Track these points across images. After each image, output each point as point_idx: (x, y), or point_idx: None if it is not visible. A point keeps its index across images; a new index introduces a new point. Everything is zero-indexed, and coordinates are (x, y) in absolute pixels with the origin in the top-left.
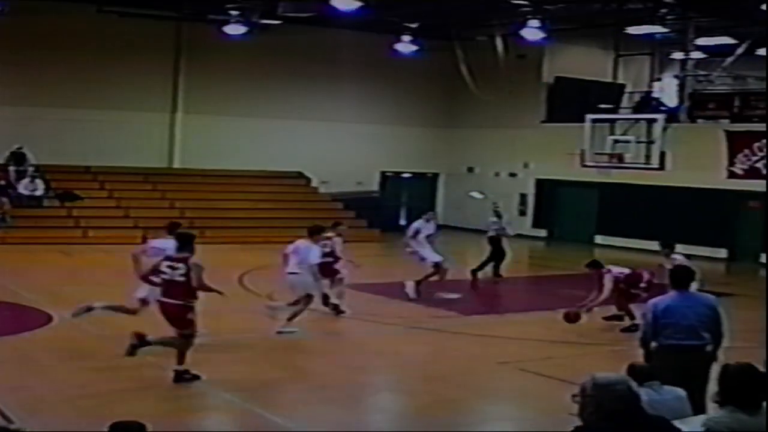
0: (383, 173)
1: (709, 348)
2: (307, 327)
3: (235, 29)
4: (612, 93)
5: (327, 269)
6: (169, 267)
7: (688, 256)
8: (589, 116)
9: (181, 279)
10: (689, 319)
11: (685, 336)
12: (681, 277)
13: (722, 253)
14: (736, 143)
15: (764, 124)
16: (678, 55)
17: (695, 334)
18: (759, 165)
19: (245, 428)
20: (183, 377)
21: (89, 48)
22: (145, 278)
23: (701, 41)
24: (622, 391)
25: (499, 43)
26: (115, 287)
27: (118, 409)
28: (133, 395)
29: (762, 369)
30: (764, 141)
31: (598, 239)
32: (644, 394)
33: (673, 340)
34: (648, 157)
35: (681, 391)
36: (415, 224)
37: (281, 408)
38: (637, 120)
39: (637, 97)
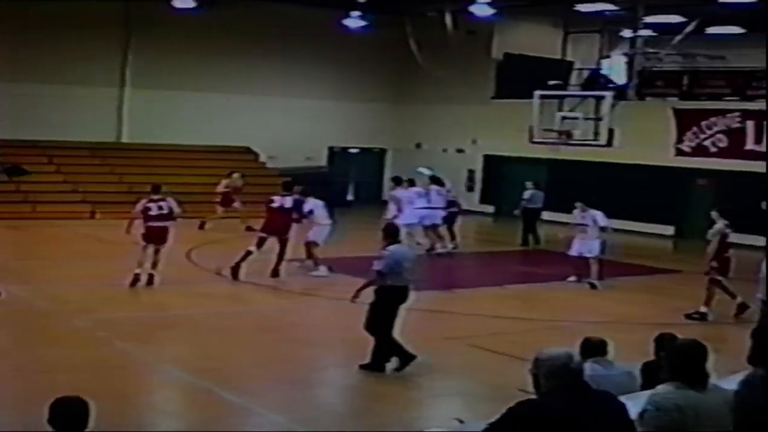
0: (331, 149)
1: None
2: (254, 303)
3: (184, 3)
4: (561, 70)
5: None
6: None
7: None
8: (538, 92)
9: None
10: None
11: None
12: None
13: (670, 230)
14: (685, 121)
15: (713, 102)
16: (627, 33)
17: None
18: (707, 143)
19: (195, 404)
20: None
21: (37, 22)
22: None
23: (651, 19)
24: (558, 366)
25: (448, 19)
26: (63, 261)
27: (67, 385)
28: (82, 371)
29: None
30: (712, 119)
31: (546, 215)
32: (590, 369)
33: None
34: (596, 134)
35: (631, 368)
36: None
37: (230, 383)
38: (586, 97)
39: (585, 74)
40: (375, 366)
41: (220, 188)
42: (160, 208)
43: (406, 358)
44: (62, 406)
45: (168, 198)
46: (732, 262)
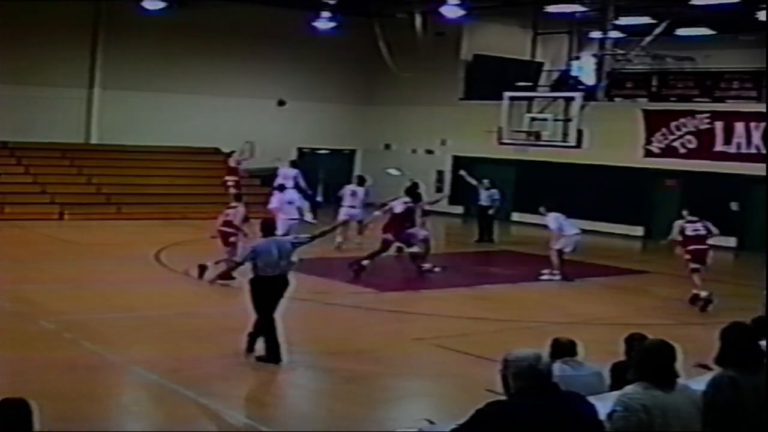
0: (300, 149)
1: None
2: (223, 304)
3: (153, 4)
4: (530, 71)
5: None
6: None
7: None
8: (507, 94)
9: None
10: None
11: None
12: None
13: (638, 231)
14: (654, 122)
15: (682, 103)
16: (596, 34)
17: None
18: (676, 144)
19: (162, 405)
20: None
21: (6, 22)
22: None
23: (620, 21)
24: (527, 366)
25: (418, 20)
26: (30, 262)
27: (33, 387)
28: (49, 373)
29: (676, 346)
30: (681, 120)
31: (515, 216)
32: (559, 369)
33: None
34: (565, 135)
35: (600, 368)
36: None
37: (198, 384)
38: (555, 98)
39: (555, 76)
40: (271, 358)
41: (233, 163)
42: (226, 215)
43: (276, 354)
44: (5, 408)
45: (239, 207)
46: (706, 255)
